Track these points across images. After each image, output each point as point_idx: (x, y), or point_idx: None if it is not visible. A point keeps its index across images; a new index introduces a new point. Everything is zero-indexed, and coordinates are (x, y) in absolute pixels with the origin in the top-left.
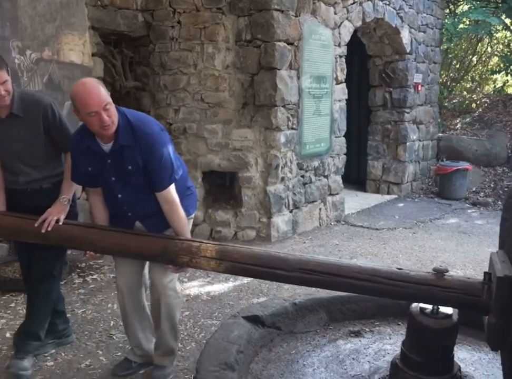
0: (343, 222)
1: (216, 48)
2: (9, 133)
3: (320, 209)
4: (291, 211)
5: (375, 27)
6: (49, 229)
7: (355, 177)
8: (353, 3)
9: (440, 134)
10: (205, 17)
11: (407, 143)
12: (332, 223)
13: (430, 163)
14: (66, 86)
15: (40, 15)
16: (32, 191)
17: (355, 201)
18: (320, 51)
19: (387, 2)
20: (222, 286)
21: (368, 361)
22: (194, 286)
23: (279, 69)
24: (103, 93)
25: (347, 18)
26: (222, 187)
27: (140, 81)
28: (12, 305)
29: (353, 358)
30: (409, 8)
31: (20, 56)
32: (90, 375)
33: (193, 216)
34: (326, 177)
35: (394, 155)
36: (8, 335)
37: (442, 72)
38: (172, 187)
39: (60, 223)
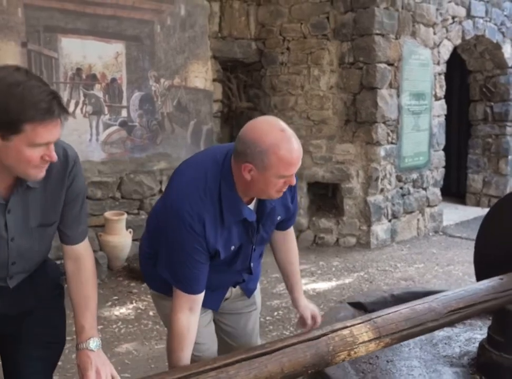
0: (441, 233)
1: (321, 71)
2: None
3: (418, 219)
4: (389, 221)
5: (475, 43)
6: None
7: (455, 190)
8: (452, 22)
9: None
10: (312, 43)
11: (509, 156)
12: (430, 234)
13: None
14: (191, 107)
15: (172, 48)
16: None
17: (454, 214)
18: (419, 70)
19: (488, 19)
20: (326, 284)
21: (459, 346)
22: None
23: (379, 89)
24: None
25: (446, 37)
26: (324, 197)
27: (253, 102)
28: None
29: (445, 343)
30: (511, 23)
31: (156, 83)
32: None
33: None
34: (424, 189)
35: (495, 168)
36: (151, 313)
37: None
38: None
39: None
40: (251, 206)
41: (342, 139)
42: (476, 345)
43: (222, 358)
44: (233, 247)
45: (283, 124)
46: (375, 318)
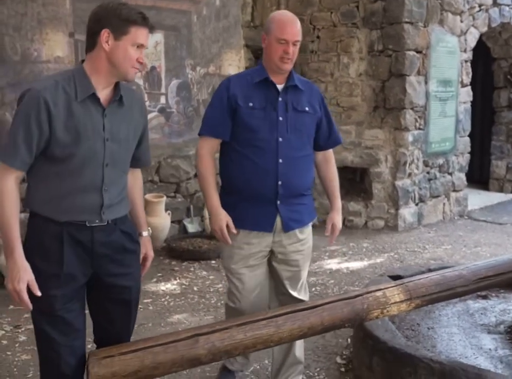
0: (466, 217)
1: (351, 58)
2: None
3: (444, 203)
4: (416, 204)
5: (500, 31)
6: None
7: (478, 177)
8: (479, 10)
9: None
10: (341, 32)
11: None
12: (455, 218)
13: None
14: None
15: (208, 37)
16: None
17: (478, 199)
18: (446, 58)
19: None
20: (358, 263)
21: (494, 316)
22: (334, 262)
23: (408, 75)
24: (299, 29)
25: (473, 25)
26: (352, 181)
27: None
28: (192, 269)
29: (481, 313)
30: None
31: (192, 71)
32: None
33: None
34: (450, 174)
35: None
36: (195, 288)
37: None
38: None
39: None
40: (281, 86)
41: (371, 125)
42: (511, 315)
43: (271, 311)
44: (251, 104)
45: (292, 14)
46: (407, 282)
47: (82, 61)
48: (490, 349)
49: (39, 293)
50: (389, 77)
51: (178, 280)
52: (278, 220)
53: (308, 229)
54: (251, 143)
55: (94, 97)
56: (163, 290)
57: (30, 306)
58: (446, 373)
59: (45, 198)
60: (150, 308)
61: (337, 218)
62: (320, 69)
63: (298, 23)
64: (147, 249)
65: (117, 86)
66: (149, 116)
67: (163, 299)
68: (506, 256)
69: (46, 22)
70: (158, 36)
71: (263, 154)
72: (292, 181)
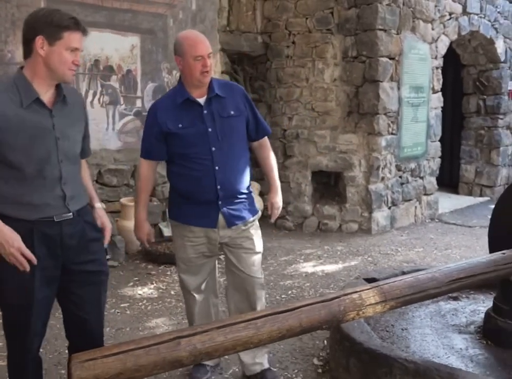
0: (437, 220)
1: (325, 64)
2: None
3: (416, 207)
4: (389, 208)
5: (470, 39)
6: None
7: (448, 180)
8: (449, 19)
9: None
10: (316, 37)
11: (501, 148)
12: (427, 221)
13: None
14: None
15: None
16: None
17: (448, 202)
18: (418, 64)
19: (483, 16)
20: (333, 266)
21: (465, 317)
22: (310, 265)
23: (381, 81)
24: (208, 42)
25: (443, 33)
26: (327, 185)
27: (258, 94)
28: (168, 273)
29: (453, 314)
30: (504, 19)
31: (169, 75)
32: None
33: None
34: (421, 178)
35: (487, 159)
36: (172, 292)
37: None
38: None
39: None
40: (203, 99)
41: (345, 129)
42: (481, 315)
43: (251, 314)
44: (180, 125)
45: (195, 30)
46: (382, 285)
47: (21, 67)
48: (461, 348)
49: (34, 259)
50: (363, 83)
51: (155, 284)
52: (221, 217)
53: (253, 223)
54: (189, 157)
55: (38, 101)
56: (139, 294)
57: (28, 265)
58: (420, 372)
59: (10, 200)
60: (128, 312)
61: (276, 198)
62: (295, 74)
63: (205, 37)
64: (102, 219)
65: (58, 86)
66: (125, 119)
67: (140, 304)
68: (477, 259)
69: (19, 24)
70: (134, 39)
71: (200, 165)
72: (229, 184)
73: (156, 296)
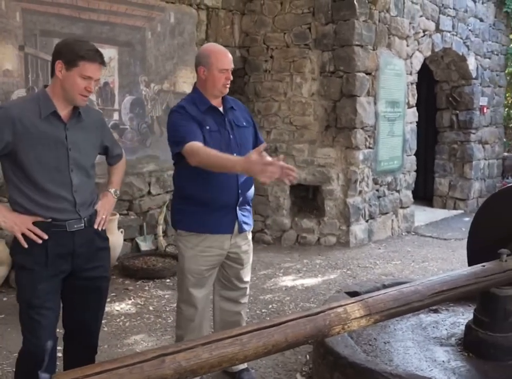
0: (413, 233)
1: (303, 79)
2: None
3: (392, 220)
4: (367, 221)
5: (442, 55)
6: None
7: (423, 194)
8: (423, 35)
9: (506, 154)
10: (294, 52)
11: (473, 162)
12: (403, 234)
13: (495, 181)
14: None
15: (162, 54)
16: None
17: (423, 215)
18: (393, 80)
19: (455, 33)
20: (313, 279)
21: (446, 329)
22: (289, 279)
23: (358, 96)
24: (231, 57)
25: (418, 49)
26: (305, 199)
27: None
28: (146, 288)
29: (433, 326)
30: (475, 37)
31: (146, 88)
32: None
33: None
34: (398, 191)
35: (460, 172)
36: (151, 308)
37: (507, 95)
38: None
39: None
40: (221, 109)
41: (323, 143)
42: (461, 327)
43: (236, 329)
44: (208, 127)
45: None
46: (367, 298)
47: (45, 86)
48: (443, 361)
49: (45, 236)
50: (340, 97)
51: (133, 300)
52: (236, 223)
53: (249, 233)
54: None
55: (55, 114)
56: (117, 310)
57: (45, 235)
58: None
59: (26, 203)
60: (105, 329)
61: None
62: (274, 88)
63: (228, 52)
64: (100, 203)
65: (76, 106)
66: None
67: (118, 320)
68: (458, 271)
69: None
70: (112, 52)
71: None
72: (246, 189)
73: (134, 311)
